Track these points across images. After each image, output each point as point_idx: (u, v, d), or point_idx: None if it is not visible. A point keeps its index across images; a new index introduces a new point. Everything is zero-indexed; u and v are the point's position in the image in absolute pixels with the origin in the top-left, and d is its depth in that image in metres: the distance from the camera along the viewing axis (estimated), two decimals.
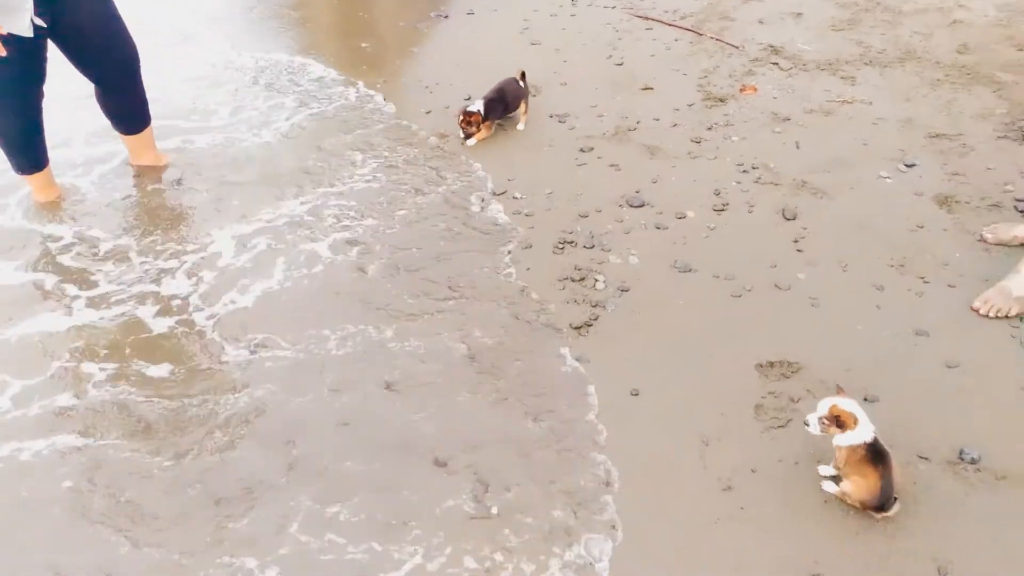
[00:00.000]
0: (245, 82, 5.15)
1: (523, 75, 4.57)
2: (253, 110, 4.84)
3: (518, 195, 4.01)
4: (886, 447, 2.41)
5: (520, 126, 4.59)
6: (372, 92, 4.97)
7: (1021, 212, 3.70)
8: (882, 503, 2.39)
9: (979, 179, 3.92)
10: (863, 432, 2.38)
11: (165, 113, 4.60)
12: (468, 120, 4.34)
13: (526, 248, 3.67)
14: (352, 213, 3.94)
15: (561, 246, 3.67)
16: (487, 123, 4.40)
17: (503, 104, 4.46)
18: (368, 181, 4.17)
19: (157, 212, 4.03)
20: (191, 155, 4.42)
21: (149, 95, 4.11)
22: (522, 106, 4.56)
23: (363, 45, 5.64)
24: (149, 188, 4.18)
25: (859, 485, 2.40)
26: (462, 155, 4.34)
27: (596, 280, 3.47)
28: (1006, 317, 3.14)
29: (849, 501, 2.47)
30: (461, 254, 3.66)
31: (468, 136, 4.41)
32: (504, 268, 3.57)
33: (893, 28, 5.39)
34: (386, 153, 4.39)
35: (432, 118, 4.69)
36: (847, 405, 2.39)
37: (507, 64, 4.81)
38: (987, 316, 3.15)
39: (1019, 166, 3.99)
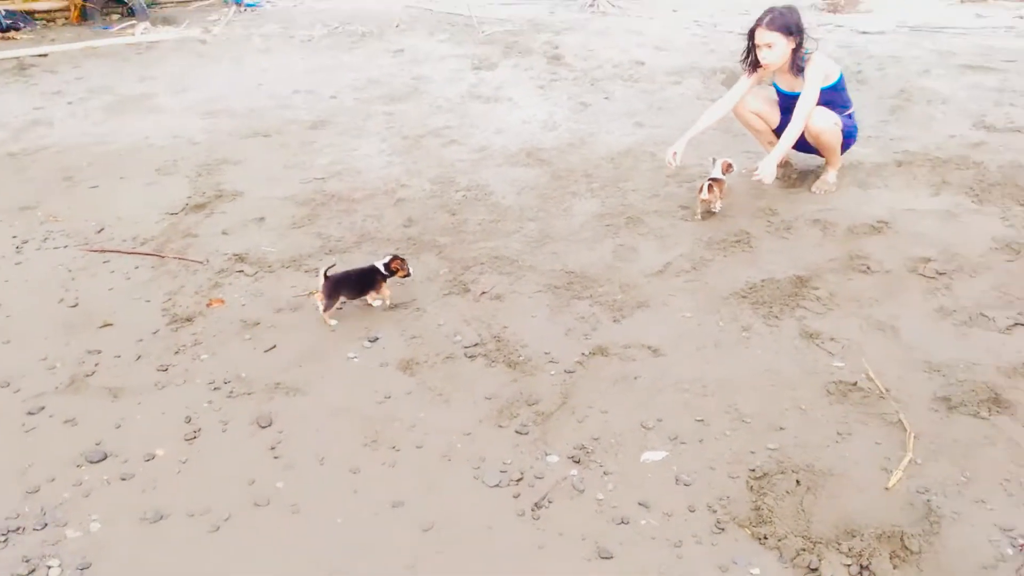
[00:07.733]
0: None
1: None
2: None
3: None
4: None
5: None
6: None
7: None
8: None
9: (431, 335, 4.26)
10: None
11: None
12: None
13: None
14: None
15: (4, 539, 3.06)
16: None
17: None
18: None
19: None
20: None
21: None
22: None
23: None
24: None
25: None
26: None
27: (49, 569, 2.92)
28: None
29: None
30: None
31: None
32: None
33: (349, 216, 5.82)
34: None
35: None
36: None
37: None
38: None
39: (465, 315, 4.44)
